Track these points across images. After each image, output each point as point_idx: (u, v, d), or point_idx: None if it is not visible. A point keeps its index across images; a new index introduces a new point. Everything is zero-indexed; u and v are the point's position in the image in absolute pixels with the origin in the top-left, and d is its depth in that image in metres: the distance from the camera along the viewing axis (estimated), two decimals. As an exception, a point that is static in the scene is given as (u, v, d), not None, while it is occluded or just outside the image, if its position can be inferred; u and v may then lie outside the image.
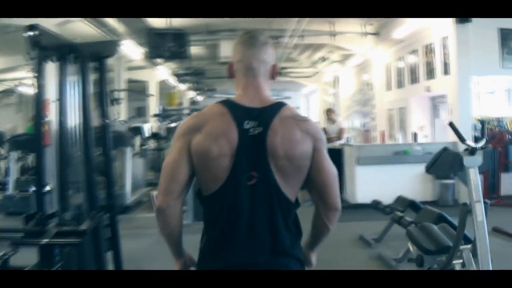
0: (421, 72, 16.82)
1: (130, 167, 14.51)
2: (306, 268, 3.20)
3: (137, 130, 20.31)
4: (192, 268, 3.24)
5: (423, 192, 13.43)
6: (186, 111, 11.98)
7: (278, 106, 2.97)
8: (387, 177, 13.36)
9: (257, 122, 2.87)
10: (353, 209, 12.77)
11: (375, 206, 10.01)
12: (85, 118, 5.62)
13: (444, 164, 6.50)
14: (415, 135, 15.21)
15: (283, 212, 2.91)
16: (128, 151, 14.66)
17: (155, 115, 11.34)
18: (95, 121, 5.96)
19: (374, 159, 13.55)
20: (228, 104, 2.97)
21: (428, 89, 16.17)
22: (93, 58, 5.76)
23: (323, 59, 24.28)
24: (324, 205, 3.03)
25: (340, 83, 29.20)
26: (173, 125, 14.33)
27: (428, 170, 6.95)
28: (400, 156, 13.72)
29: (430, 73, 16.05)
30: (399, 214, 8.92)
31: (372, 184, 13.22)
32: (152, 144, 21.65)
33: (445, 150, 6.68)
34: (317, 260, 3.33)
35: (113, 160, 6.66)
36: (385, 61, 20.63)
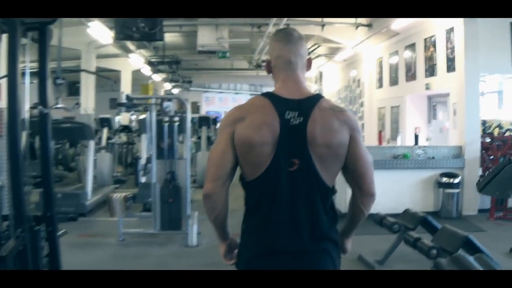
0: (420, 68, 15.30)
1: (92, 164, 13.07)
2: (342, 255, 3.43)
3: (105, 122, 18.83)
4: (236, 250, 3.39)
5: (423, 202, 12.16)
6: (153, 101, 10.26)
7: (317, 97, 3.20)
8: (384, 184, 11.67)
9: (297, 113, 3.07)
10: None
11: (380, 221, 8.45)
12: (12, 103, 4.49)
13: (507, 181, 4.92)
14: (416, 137, 13.59)
15: (322, 197, 3.11)
16: (91, 145, 13.11)
17: (118, 105, 9.75)
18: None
19: (370, 163, 11.88)
20: (270, 96, 3.18)
21: (427, 87, 14.63)
22: (27, 25, 4.68)
23: (308, 52, 22.54)
24: (360, 191, 3.23)
25: (324, 79, 27.99)
26: (142, 116, 12.56)
27: (483, 188, 5.36)
28: (399, 160, 12.31)
29: (431, 70, 14.52)
30: (414, 235, 7.35)
31: None
32: (120, 137, 20.10)
33: (509, 162, 5.06)
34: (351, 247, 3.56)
35: (52, 157, 5.19)
36: (377, 55, 19.26)
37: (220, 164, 3.14)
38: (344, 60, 22.88)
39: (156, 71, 27.36)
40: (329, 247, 3.15)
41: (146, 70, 26.81)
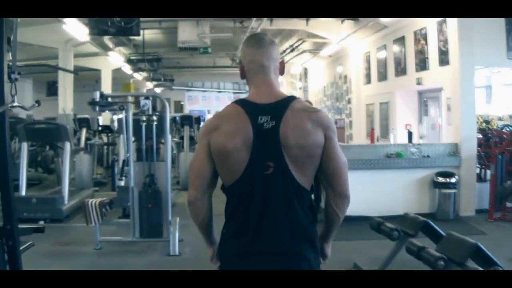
0: (410, 62, 14.73)
1: (68, 166, 12.35)
2: (322, 260, 3.44)
3: (84, 122, 18.17)
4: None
5: (419, 203, 11.55)
6: (130, 99, 9.51)
7: (289, 100, 3.26)
8: (377, 185, 11.41)
9: (269, 116, 3.16)
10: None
11: (377, 227, 7.78)
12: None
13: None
14: (409, 134, 12.92)
15: (298, 198, 3.15)
16: (67, 147, 12.44)
17: (91, 103, 8.93)
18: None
19: (362, 162, 11.37)
20: (242, 103, 3.27)
21: (419, 82, 14.04)
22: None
23: (292, 48, 22.01)
24: (334, 192, 3.27)
25: (309, 76, 27.48)
26: (120, 116, 11.69)
27: (507, 197, 4.77)
28: (392, 159, 11.64)
29: (422, 64, 13.94)
30: (417, 243, 6.67)
31: (359, 192, 10.72)
32: (100, 138, 19.41)
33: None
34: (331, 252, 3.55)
35: (10, 160, 4.58)
36: (364, 50, 18.75)
37: (200, 173, 3.27)
38: (329, 56, 22.42)
39: (136, 69, 26.87)
40: (306, 251, 3.18)
41: (127, 69, 26.32)
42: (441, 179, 11.37)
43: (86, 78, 26.08)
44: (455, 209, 11.46)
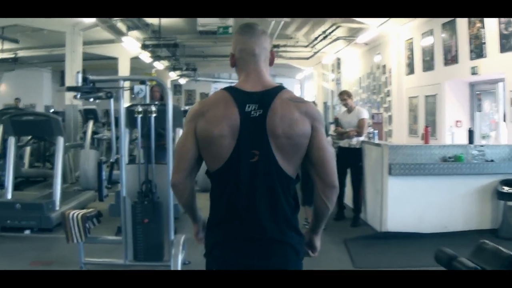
0: (463, 49, 12.81)
1: (60, 165, 10.69)
2: (311, 253, 3.53)
3: (91, 114, 16.46)
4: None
5: (479, 217, 9.68)
6: (122, 84, 7.51)
7: (278, 89, 3.30)
8: (431, 194, 9.56)
9: (257, 105, 3.19)
10: (382, 241, 9.02)
11: (447, 262, 5.80)
12: None
13: None
14: (470, 134, 10.76)
15: (283, 187, 3.21)
16: (60, 142, 10.77)
17: (70, 89, 7.10)
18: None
19: (414, 167, 9.44)
20: (231, 90, 3.30)
21: (474, 72, 12.12)
22: None
23: (325, 35, 20.22)
24: (322, 182, 3.30)
25: (342, 66, 25.74)
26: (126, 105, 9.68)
27: None
28: (450, 164, 9.63)
29: (478, 50, 12.03)
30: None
31: (410, 204, 9.48)
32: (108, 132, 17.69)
33: None
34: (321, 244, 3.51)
35: None
36: (406, 36, 16.84)
37: (183, 157, 3.30)
38: (365, 44, 20.72)
39: (156, 57, 25.49)
40: (290, 237, 3.21)
41: (145, 57, 24.87)
42: (507, 189, 9.41)
43: (104, 68, 24.73)
44: (523, 225, 9.54)
